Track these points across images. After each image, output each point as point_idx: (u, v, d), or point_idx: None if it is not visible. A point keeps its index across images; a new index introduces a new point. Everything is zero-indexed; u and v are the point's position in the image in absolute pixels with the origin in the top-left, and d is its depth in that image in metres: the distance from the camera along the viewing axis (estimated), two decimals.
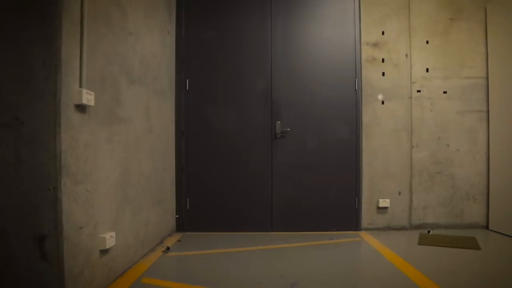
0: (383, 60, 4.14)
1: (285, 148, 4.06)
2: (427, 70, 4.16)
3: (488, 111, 4.17)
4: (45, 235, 1.80)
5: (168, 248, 3.30)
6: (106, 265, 2.33)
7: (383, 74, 4.13)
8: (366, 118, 4.11)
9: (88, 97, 2.01)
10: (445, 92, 4.16)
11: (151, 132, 3.27)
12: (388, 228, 4.13)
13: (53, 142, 1.80)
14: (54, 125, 1.81)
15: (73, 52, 1.96)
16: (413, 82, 4.14)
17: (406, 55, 4.15)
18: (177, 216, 4.06)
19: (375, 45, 4.14)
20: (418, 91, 4.15)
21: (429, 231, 4.01)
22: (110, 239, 2.32)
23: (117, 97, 2.56)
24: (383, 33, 4.15)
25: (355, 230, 4.10)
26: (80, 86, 2.00)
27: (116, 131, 2.55)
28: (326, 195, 4.08)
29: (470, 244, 3.45)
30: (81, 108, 2.03)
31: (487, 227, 4.15)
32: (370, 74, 4.13)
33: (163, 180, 3.64)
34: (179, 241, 3.67)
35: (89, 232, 2.13)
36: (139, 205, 2.98)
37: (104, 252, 2.30)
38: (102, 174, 2.32)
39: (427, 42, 4.16)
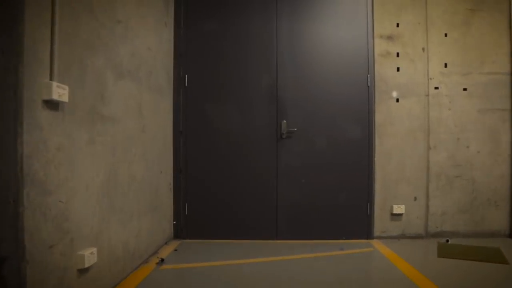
0: (398, 55, 3.81)
1: (291, 149, 3.75)
2: (446, 65, 3.82)
3: None
4: (4, 257, 1.50)
5: (162, 260, 3.00)
6: (85, 287, 2.03)
7: (398, 69, 3.81)
8: (379, 117, 3.79)
9: (60, 92, 1.71)
10: (465, 89, 3.82)
11: (144, 132, 2.98)
12: (402, 236, 3.81)
13: (13, 145, 1.50)
14: (14, 125, 1.51)
15: (42, 39, 1.66)
16: (430, 78, 3.81)
17: (423, 49, 3.82)
18: (174, 222, 3.77)
19: (389, 38, 3.81)
20: (436, 88, 3.81)
21: (447, 241, 3.68)
22: (90, 256, 2.02)
23: (101, 92, 2.27)
24: (397, 25, 3.82)
25: (367, 238, 3.78)
26: (51, 79, 1.70)
27: (100, 131, 2.25)
28: (335, 200, 3.76)
29: (496, 257, 3.12)
30: (52, 104, 1.73)
31: (510, 235, 3.82)
32: (383, 70, 3.80)
33: (159, 184, 3.34)
34: (175, 250, 3.38)
35: (63, 250, 1.83)
36: (129, 213, 2.69)
37: (83, 271, 2.00)
38: (81, 181, 2.02)
39: (446, 35, 3.83)
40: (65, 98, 1.77)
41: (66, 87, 1.79)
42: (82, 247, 2.03)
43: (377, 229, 3.80)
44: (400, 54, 3.81)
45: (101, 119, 2.26)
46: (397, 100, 3.80)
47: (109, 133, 2.37)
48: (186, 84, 3.76)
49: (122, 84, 2.57)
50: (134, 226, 2.78)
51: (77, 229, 1.98)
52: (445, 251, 3.31)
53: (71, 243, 1.92)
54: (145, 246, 3.00)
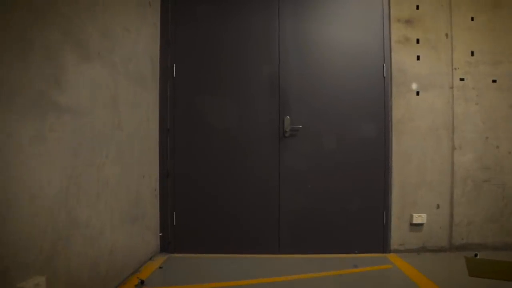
0: (418, 41, 3.32)
1: (296, 150, 3.25)
2: (472, 53, 3.33)
3: None
4: None
5: (142, 282, 2.50)
6: None
7: (418, 58, 3.31)
8: (397, 112, 3.30)
9: None
10: (494, 81, 3.33)
11: (121, 128, 2.48)
12: (423, 249, 3.31)
13: None
14: None
15: None
16: (455, 69, 3.32)
17: (446, 35, 3.33)
18: (160, 234, 3.26)
19: (408, 22, 3.32)
20: (461, 79, 3.32)
21: (476, 255, 3.18)
22: None
23: (56, 76, 1.77)
24: (417, 7, 3.33)
25: (383, 252, 3.28)
26: None
27: (54, 125, 1.76)
28: (346, 208, 3.27)
29: None
30: None
31: None
32: (402, 58, 3.31)
33: (140, 190, 2.85)
34: (160, 268, 2.88)
35: None
36: (99, 227, 2.20)
37: None
38: (21, 191, 1.52)
39: (472, 18, 3.33)
40: None
41: None
42: (23, 277, 1.53)
43: (395, 241, 3.30)
44: (420, 41, 3.31)
45: (55, 109, 1.76)
46: (417, 93, 3.31)
47: (68, 128, 1.87)
48: (174, 75, 3.26)
49: (89, 68, 2.08)
50: (106, 242, 2.28)
51: (15, 254, 1.48)
52: (477, 269, 2.81)
53: (4, 274, 1.42)
54: (121, 264, 2.51)
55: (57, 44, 1.78)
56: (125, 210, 2.58)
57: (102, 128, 2.23)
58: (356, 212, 3.27)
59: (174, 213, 3.26)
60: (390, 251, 3.29)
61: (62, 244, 1.82)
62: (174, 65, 3.26)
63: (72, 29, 1.91)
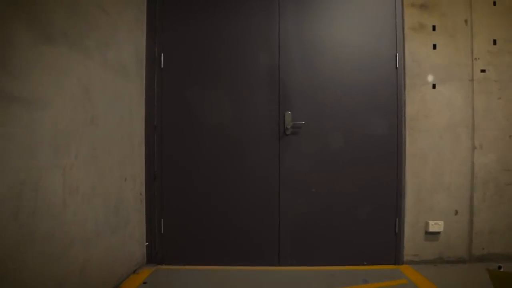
0: (434, 28, 2.97)
1: (298, 149, 2.91)
2: (495, 42, 2.98)
3: None
4: None
5: None
6: None
7: (434, 47, 2.97)
8: (410, 108, 2.95)
9: None
10: None
11: (95, 124, 2.14)
12: (440, 260, 2.96)
13: None
14: None
15: None
16: (476, 59, 2.97)
17: (466, 21, 2.98)
18: (147, 243, 2.92)
19: (423, 6, 2.97)
20: (483, 71, 2.97)
21: (499, 267, 2.82)
22: None
23: (2, 58, 1.43)
24: None
25: (395, 263, 2.93)
26: None
27: (1, 118, 1.41)
28: (355, 215, 2.92)
29: None
30: None
31: None
32: (416, 47, 2.96)
33: (122, 195, 2.51)
34: (144, 283, 2.53)
35: None
36: (67, 240, 1.86)
37: None
38: None
39: (494, 3, 2.98)
40: None
41: None
42: None
43: (408, 251, 2.95)
44: (436, 28, 2.96)
45: (2, 99, 1.42)
46: (433, 86, 2.96)
47: (20, 123, 1.53)
48: (162, 65, 2.92)
49: (51, 51, 1.74)
50: (75, 257, 1.94)
51: None
52: (502, 283, 2.46)
53: None
54: (97, 283, 2.17)
55: (3, 20, 1.44)
56: (102, 219, 2.24)
57: (69, 123, 1.89)
58: (365, 219, 2.93)
59: (162, 220, 2.92)
60: (403, 263, 2.95)
61: (13, 264, 1.48)
62: (162, 54, 2.92)
63: (25, 1, 1.56)
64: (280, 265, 2.90)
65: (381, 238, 2.94)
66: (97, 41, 2.18)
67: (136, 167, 2.77)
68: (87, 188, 2.06)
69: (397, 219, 2.94)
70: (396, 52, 2.94)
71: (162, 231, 2.92)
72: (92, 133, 2.11)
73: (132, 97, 2.68)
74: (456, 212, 2.96)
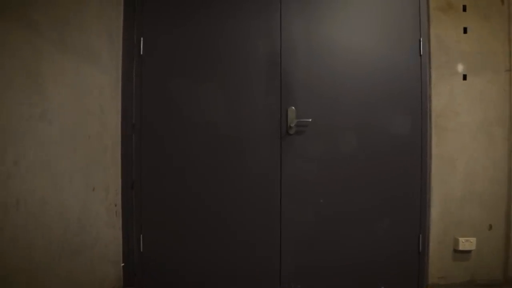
0: (464, 8, 2.50)
1: (303, 152, 2.44)
2: None
3: None
4: None
5: None
6: None
7: (465, 30, 2.50)
8: (437, 103, 2.49)
9: None
10: None
11: (48, 121, 1.69)
12: (471, 283, 2.51)
13: None
14: None
15: None
16: None
17: (502, 1, 2.52)
18: (123, 264, 2.45)
19: None
20: None
21: None
22: None
23: None
24: None
25: (418, 287, 2.47)
26: None
27: None
28: (371, 230, 2.46)
29: None
30: None
31: None
32: (443, 31, 2.50)
33: (88, 208, 2.04)
34: None
35: None
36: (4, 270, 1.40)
37: None
38: None
39: None
40: None
41: None
42: None
43: (433, 273, 2.49)
44: (467, 8, 2.50)
45: None
46: (464, 77, 2.50)
47: None
48: (141, 52, 2.45)
49: None
50: None
51: None
52: None
53: None
54: None
55: None
56: (59, 239, 1.77)
57: (4, 119, 1.43)
58: (383, 235, 2.46)
59: (142, 236, 2.45)
60: (427, 286, 2.49)
61: None
62: (142, 39, 2.45)
63: None
64: None
65: (401, 258, 2.48)
66: (51, 16, 1.72)
67: (109, 173, 2.30)
68: (34, 202, 1.60)
69: (420, 235, 2.48)
70: (420, 37, 2.47)
71: (141, 249, 2.45)
72: (42, 133, 1.65)
73: (103, 89, 2.22)
74: (490, 227, 2.50)
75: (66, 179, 1.83)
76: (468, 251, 2.49)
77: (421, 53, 2.47)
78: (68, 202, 1.85)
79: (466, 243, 2.46)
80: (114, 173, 2.37)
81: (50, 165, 1.70)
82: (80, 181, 1.96)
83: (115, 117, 2.37)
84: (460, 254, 2.49)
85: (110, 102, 2.30)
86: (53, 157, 1.71)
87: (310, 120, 2.41)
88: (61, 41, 1.79)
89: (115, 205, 2.38)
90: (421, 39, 2.47)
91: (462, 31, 2.50)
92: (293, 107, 2.41)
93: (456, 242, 2.47)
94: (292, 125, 2.40)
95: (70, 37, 1.87)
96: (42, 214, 1.65)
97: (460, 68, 2.49)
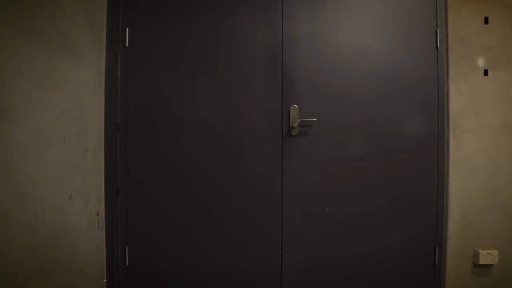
0: None
1: (307, 156, 2.20)
2: None
3: None
4: None
5: None
6: None
7: (486, 20, 2.25)
8: (456, 101, 2.24)
9: None
10: None
11: (13, 121, 1.44)
12: None
13: None
14: None
15: None
16: None
17: None
18: (106, 280, 2.20)
19: None
20: None
21: None
22: None
23: None
24: None
25: None
26: None
27: None
28: (382, 242, 2.22)
29: None
30: None
31: None
32: (462, 21, 2.25)
33: (64, 219, 1.81)
34: None
35: None
36: None
37: None
38: None
39: None
40: None
41: None
42: None
43: None
44: None
45: None
46: (485, 73, 2.25)
47: None
48: (127, 44, 2.19)
49: None
50: None
51: None
52: None
53: None
54: None
55: None
56: (26, 257, 1.53)
57: None
58: (395, 248, 2.23)
59: (127, 248, 2.20)
60: None
61: None
62: (127, 29, 2.19)
63: None
64: None
65: (416, 272, 2.24)
66: (19, 2, 1.46)
67: (91, 180, 2.05)
68: None
69: (437, 247, 2.24)
70: (437, 28, 2.23)
71: (126, 263, 2.20)
72: (4, 134, 1.40)
73: (82, 84, 1.97)
74: None
75: (34, 188, 1.58)
76: (489, 265, 2.24)
77: (438, 46, 2.23)
78: (38, 215, 1.60)
79: (487, 256, 2.22)
80: (96, 179, 2.11)
81: (13, 172, 1.46)
82: (53, 190, 1.72)
83: (97, 115, 2.11)
84: (480, 269, 2.25)
85: (91, 98, 2.05)
86: (15, 163, 1.47)
87: (315, 119, 2.16)
88: (30, 30, 1.55)
89: (98, 215, 2.13)
90: (438, 30, 2.23)
91: (483, 21, 2.25)
92: (296, 105, 2.16)
93: (476, 255, 2.23)
94: (295, 125, 2.15)
95: (43, 25, 1.63)
96: (3, 230, 1.40)
97: (481, 62, 2.25)
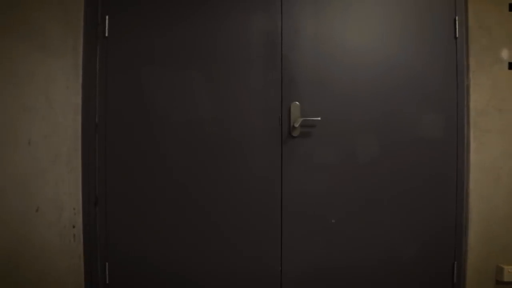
0: None
1: (311, 160, 1.96)
2: None
3: None
4: None
5: None
6: None
7: (511, 7, 2.01)
8: (477, 97, 2.00)
9: None
10: None
11: None
12: None
13: None
14: None
15: None
16: None
17: None
18: None
19: None
20: None
21: None
22: None
23: None
24: None
25: None
26: None
27: None
28: (395, 257, 1.98)
29: None
30: None
31: None
32: (484, 8, 2.00)
33: (28, 236, 1.56)
34: None
35: None
36: None
37: None
38: None
39: None
40: None
41: None
42: None
43: None
44: None
45: None
46: (510, 66, 2.01)
47: None
48: (106, 34, 1.95)
49: None
50: None
51: None
52: None
53: None
54: None
55: None
56: None
57: None
58: (410, 263, 1.99)
59: (107, 264, 1.95)
60: None
61: None
62: (107, 17, 1.94)
63: None
64: None
65: None
66: None
67: (64, 188, 1.81)
68: None
69: (455, 262, 2.00)
70: (456, 15, 1.99)
71: (107, 280, 1.95)
72: None
73: (52, 78, 1.72)
74: None
75: None
76: None
77: (457, 36, 1.99)
78: None
79: None
80: (72, 187, 1.86)
81: None
82: (15, 202, 1.47)
83: (71, 114, 1.86)
84: (504, 286, 2.01)
85: (63, 94, 1.80)
86: None
87: (319, 119, 1.91)
88: None
89: (74, 227, 1.88)
90: (457, 18, 1.98)
91: (507, 8, 2.01)
92: (297, 102, 1.91)
93: (499, 271, 1.99)
94: (296, 125, 1.90)
95: (2, 10, 1.38)
96: None
97: (505, 54, 2.00)
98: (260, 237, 1.96)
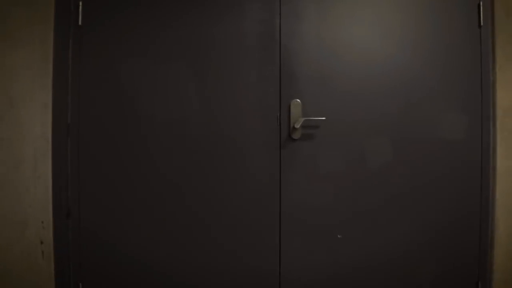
0: None
1: (313, 167, 1.72)
2: None
3: None
4: None
5: None
6: None
7: None
8: (504, 94, 1.76)
9: None
10: None
11: None
12: None
13: None
14: None
15: None
16: None
17: None
18: None
19: None
20: None
21: None
22: None
23: None
24: None
25: None
26: None
27: None
28: (409, 277, 1.74)
29: None
30: None
31: None
32: None
33: None
34: None
35: None
36: None
37: None
38: None
39: None
40: None
41: None
42: None
43: None
44: None
45: None
46: None
47: None
48: (80, 22, 1.71)
49: None
50: None
51: None
52: None
53: None
54: None
55: None
56: None
57: None
58: (427, 284, 1.74)
59: (81, 284, 1.72)
60: None
61: None
62: (81, 3, 1.71)
63: None
64: None
65: None
66: None
67: (29, 199, 1.57)
68: None
69: (479, 282, 1.76)
70: (480, 0, 1.74)
71: None
72: None
73: (15, 72, 1.49)
74: None
75: None
76: None
77: (481, 24, 1.74)
78: None
79: None
80: (39, 197, 1.63)
81: None
82: None
83: (38, 114, 1.62)
84: None
85: (30, 91, 1.57)
86: None
87: (323, 118, 1.67)
88: None
89: (42, 243, 1.64)
90: (481, 4, 1.74)
91: None
92: (298, 100, 1.67)
93: None
94: (297, 126, 1.66)
95: None
96: None
97: None
98: (258, 251, 1.72)
